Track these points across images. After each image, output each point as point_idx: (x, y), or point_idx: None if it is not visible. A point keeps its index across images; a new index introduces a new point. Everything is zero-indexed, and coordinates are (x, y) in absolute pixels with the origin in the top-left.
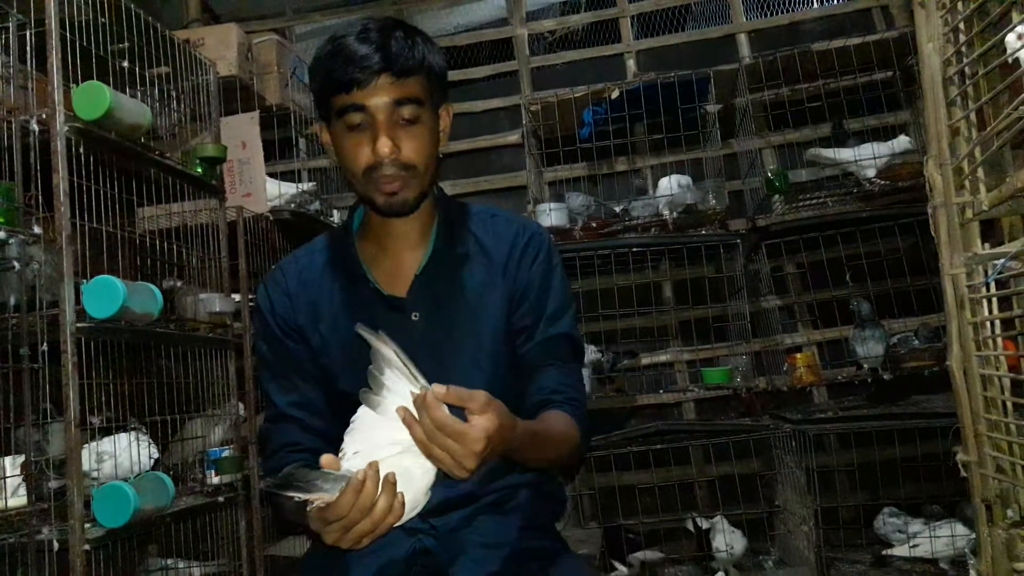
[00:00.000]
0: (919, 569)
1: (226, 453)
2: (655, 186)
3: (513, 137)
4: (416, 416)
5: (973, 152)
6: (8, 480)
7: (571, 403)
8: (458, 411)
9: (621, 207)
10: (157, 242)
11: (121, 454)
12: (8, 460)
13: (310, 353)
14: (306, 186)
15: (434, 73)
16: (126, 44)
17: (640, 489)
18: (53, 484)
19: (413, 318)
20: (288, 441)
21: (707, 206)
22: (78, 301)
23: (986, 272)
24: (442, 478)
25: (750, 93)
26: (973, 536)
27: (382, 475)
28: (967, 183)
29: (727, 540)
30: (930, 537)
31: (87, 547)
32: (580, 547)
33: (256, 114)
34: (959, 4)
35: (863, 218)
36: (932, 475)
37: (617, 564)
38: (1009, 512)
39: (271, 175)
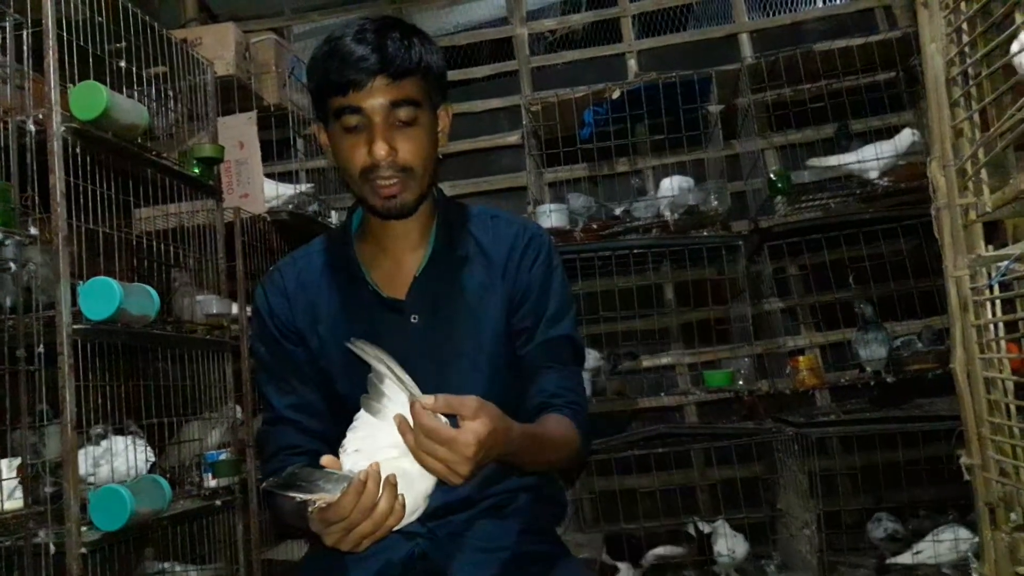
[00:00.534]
0: (921, 574)
1: (223, 456)
2: (656, 187)
3: (513, 137)
4: (411, 424)
5: (977, 153)
6: (4, 483)
7: (571, 406)
8: (453, 418)
9: (622, 208)
10: (154, 243)
11: (118, 457)
12: (4, 463)
13: (308, 355)
14: (304, 187)
15: (432, 73)
16: (123, 44)
17: (641, 493)
18: (49, 487)
19: (412, 320)
20: (286, 443)
21: (709, 207)
22: (74, 303)
23: (990, 274)
24: (441, 483)
25: (752, 93)
26: (976, 540)
27: (383, 477)
28: (971, 184)
29: (729, 544)
30: (933, 542)
31: (83, 550)
32: (581, 551)
33: (254, 114)
34: (962, 4)
35: (866, 219)
36: (935, 478)
37: (619, 565)
38: (1013, 516)
39: (269, 176)
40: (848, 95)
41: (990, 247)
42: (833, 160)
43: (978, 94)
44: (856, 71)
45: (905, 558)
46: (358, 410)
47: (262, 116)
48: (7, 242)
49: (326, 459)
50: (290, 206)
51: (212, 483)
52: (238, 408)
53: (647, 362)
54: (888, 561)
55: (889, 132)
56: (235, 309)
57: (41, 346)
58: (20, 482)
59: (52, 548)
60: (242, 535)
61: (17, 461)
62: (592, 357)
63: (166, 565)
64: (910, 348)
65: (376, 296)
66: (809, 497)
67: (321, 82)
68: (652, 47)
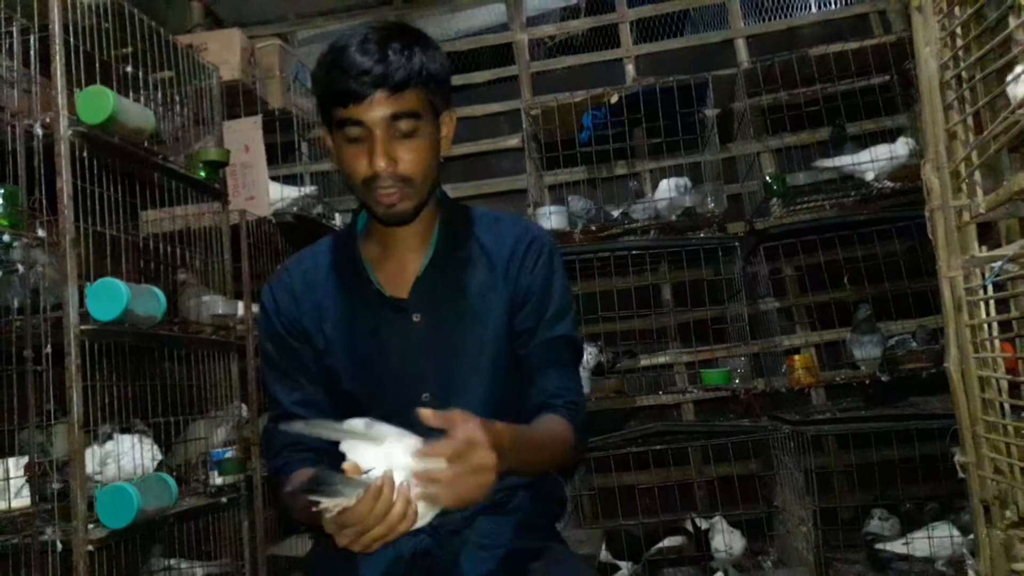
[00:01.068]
0: (917, 569)
1: (229, 454)
2: (654, 189)
3: (513, 141)
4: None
5: (970, 155)
6: (12, 481)
7: (569, 407)
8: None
9: (621, 210)
10: (160, 245)
11: (124, 455)
12: (12, 461)
13: (314, 354)
14: (308, 189)
15: (433, 82)
16: (130, 49)
17: (639, 489)
18: (56, 485)
19: (414, 319)
20: (292, 441)
21: (706, 209)
22: (82, 304)
23: (983, 275)
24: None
25: (748, 97)
26: (971, 536)
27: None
28: (964, 186)
29: (726, 540)
30: (927, 537)
31: (90, 548)
32: (581, 547)
33: (259, 118)
34: (956, 8)
35: (861, 221)
36: (930, 476)
37: (620, 564)
38: (1007, 513)
39: (274, 178)
40: (843, 99)
41: (984, 248)
42: (842, 160)
43: (972, 97)
44: (851, 75)
45: (896, 546)
46: (363, 408)
47: (267, 120)
48: (15, 244)
49: (348, 466)
50: (295, 208)
51: (218, 481)
52: (243, 407)
53: (645, 361)
54: (878, 547)
55: (884, 135)
56: (241, 309)
57: (48, 346)
58: (27, 480)
59: (59, 546)
60: (247, 532)
61: (25, 460)
62: (590, 354)
63: (172, 562)
64: (905, 347)
65: (379, 296)
66: (805, 494)
67: (324, 92)
68: (650, 52)
